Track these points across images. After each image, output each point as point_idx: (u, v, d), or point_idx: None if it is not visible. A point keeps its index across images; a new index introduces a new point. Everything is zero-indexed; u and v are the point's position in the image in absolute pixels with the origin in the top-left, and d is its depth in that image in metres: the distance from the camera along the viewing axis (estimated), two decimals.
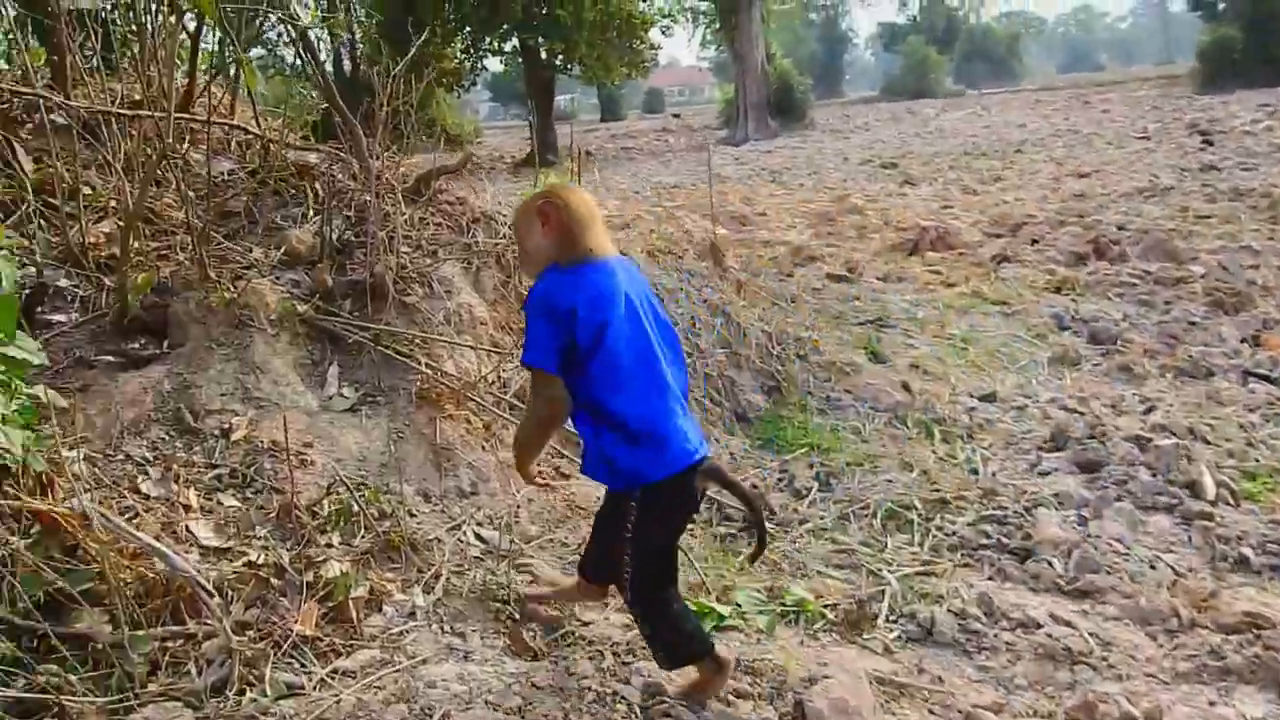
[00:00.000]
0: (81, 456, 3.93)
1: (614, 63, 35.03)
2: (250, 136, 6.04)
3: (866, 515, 5.03)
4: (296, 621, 3.33)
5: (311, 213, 5.47)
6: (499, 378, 4.94)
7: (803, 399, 6.51)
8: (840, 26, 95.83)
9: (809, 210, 16.00)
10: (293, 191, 5.67)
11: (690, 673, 3.13)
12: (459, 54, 33.94)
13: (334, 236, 5.04)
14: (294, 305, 4.77)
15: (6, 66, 6.32)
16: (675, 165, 28.90)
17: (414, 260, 5.14)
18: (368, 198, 5.38)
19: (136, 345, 4.67)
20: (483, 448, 4.62)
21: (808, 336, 7.18)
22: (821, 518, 5.03)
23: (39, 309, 4.70)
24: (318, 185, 5.67)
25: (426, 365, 4.70)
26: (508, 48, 36.01)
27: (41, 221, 5.22)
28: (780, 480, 5.52)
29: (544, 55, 34.40)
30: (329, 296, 4.93)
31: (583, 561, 3.43)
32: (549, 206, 2.95)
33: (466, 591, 3.68)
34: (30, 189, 5.39)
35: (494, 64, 43.39)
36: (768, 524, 4.45)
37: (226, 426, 4.25)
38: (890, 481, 5.40)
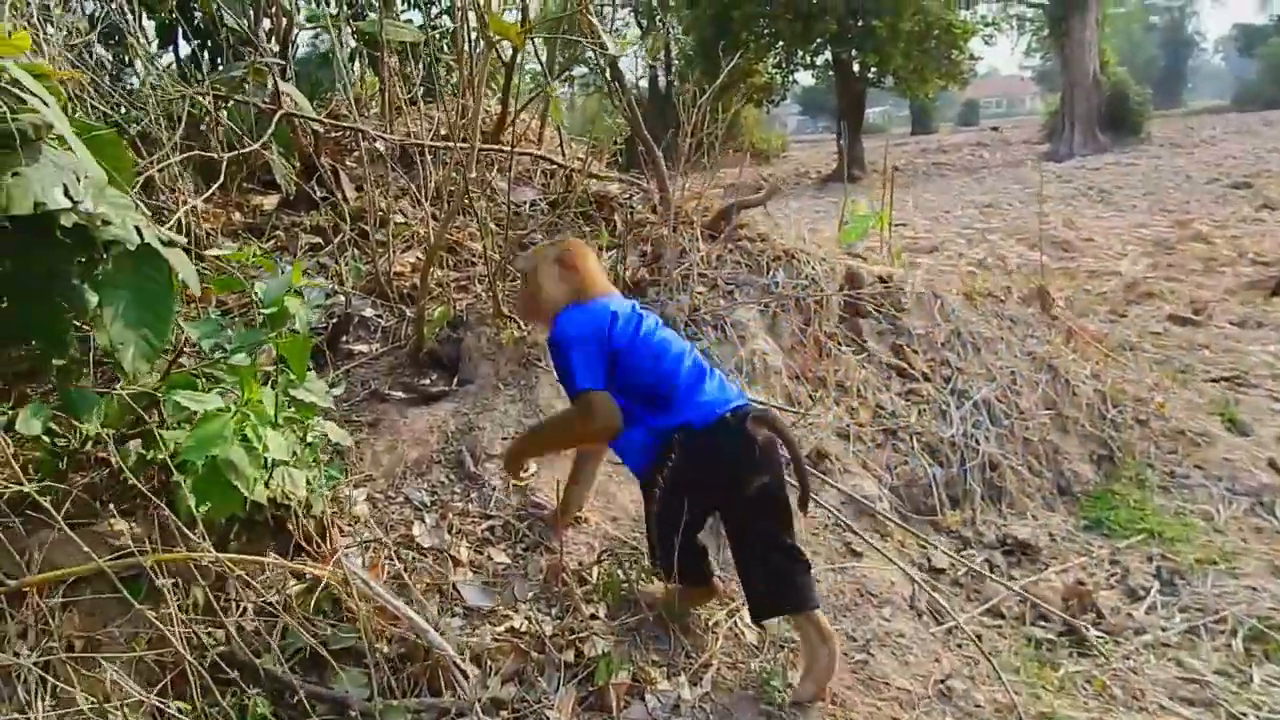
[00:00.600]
0: (363, 497, 3.89)
1: (930, 74, 33.55)
2: (555, 166, 5.96)
3: (1223, 633, 4.13)
4: (552, 708, 3.06)
5: (607, 246, 5.27)
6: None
7: (1141, 473, 5.57)
8: (1186, 29, 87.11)
9: (1144, 237, 14.29)
10: (591, 224, 5.50)
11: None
12: (770, 69, 33.83)
13: (628, 273, 4.79)
14: None
15: (343, 95, 6.61)
16: (990, 183, 27.06)
17: (708, 301, 4.80)
18: (665, 231, 5.11)
19: (428, 381, 4.63)
20: None
21: (1149, 397, 6.18)
22: (1163, 629, 4.19)
23: (344, 338, 4.78)
24: (616, 217, 5.46)
25: None
26: (820, 61, 35.44)
27: (355, 250, 5.36)
28: (1111, 574, 4.69)
29: (857, 68, 33.56)
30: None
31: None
32: (569, 255, 3.35)
33: (738, 687, 3.26)
34: (349, 217, 5.56)
35: (805, 77, 42.98)
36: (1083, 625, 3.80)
37: (504, 474, 4.09)
38: (1255, 590, 4.43)
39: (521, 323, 4.62)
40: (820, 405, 4.85)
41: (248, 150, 4.55)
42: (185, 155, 4.50)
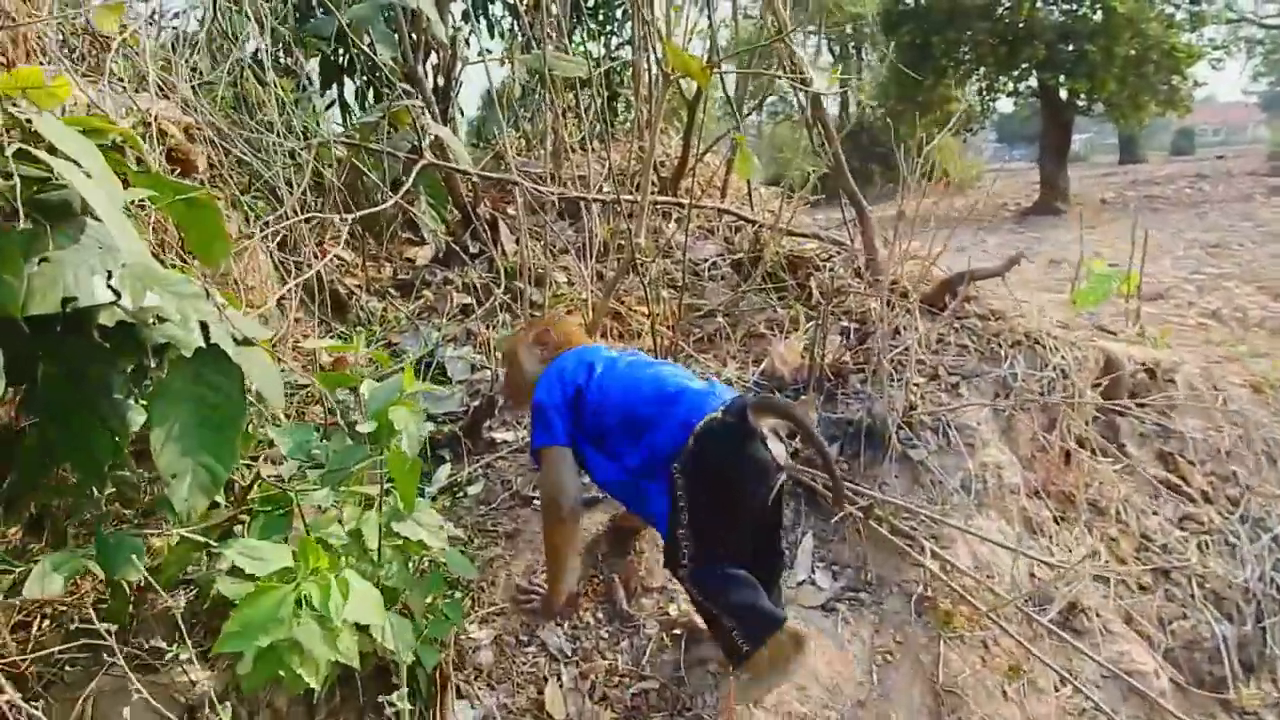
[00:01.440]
0: (490, 639, 3.15)
1: (1146, 101, 30.91)
2: (741, 220, 5.13)
3: None
4: None
5: (803, 320, 4.39)
6: (1035, 584, 3.47)
7: None
8: None
9: None
10: (781, 290, 4.64)
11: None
12: (970, 96, 31.97)
13: (826, 356, 3.89)
14: None
15: (510, 137, 6.01)
16: (1214, 219, 24.35)
17: (928, 395, 3.84)
18: (874, 304, 4.18)
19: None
20: (1004, 694, 3.19)
21: None
22: None
23: (488, 423, 4.08)
24: (812, 282, 4.58)
25: (932, 555, 3.37)
26: (1023, 87, 33.29)
27: (509, 315, 4.68)
28: None
29: (1065, 94, 31.28)
30: (811, 439, 3.78)
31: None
32: (544, 331, 3.28)
33: None
34: (505, 274, 4.89)
35: (1005, 104, 40.60)
36: None
37: (662, 605, 3.27)
38: None
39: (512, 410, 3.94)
40: (1067, 531, 3.80)
41: (377, 209, 3.91)
42: (308, 215, 3.90)
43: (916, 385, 3.83)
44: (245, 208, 4.38)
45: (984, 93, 32.45)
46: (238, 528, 2.69)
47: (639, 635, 3.22)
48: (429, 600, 3.04)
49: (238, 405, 2.33)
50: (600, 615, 3.33)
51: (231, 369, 2.31)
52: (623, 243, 4.60)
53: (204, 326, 2.26)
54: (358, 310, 4.84)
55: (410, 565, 2.98)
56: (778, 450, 2.90)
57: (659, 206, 4.86)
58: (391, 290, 5.10)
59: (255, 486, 2.80)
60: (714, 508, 2.77)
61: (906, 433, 3.69)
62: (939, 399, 3.85)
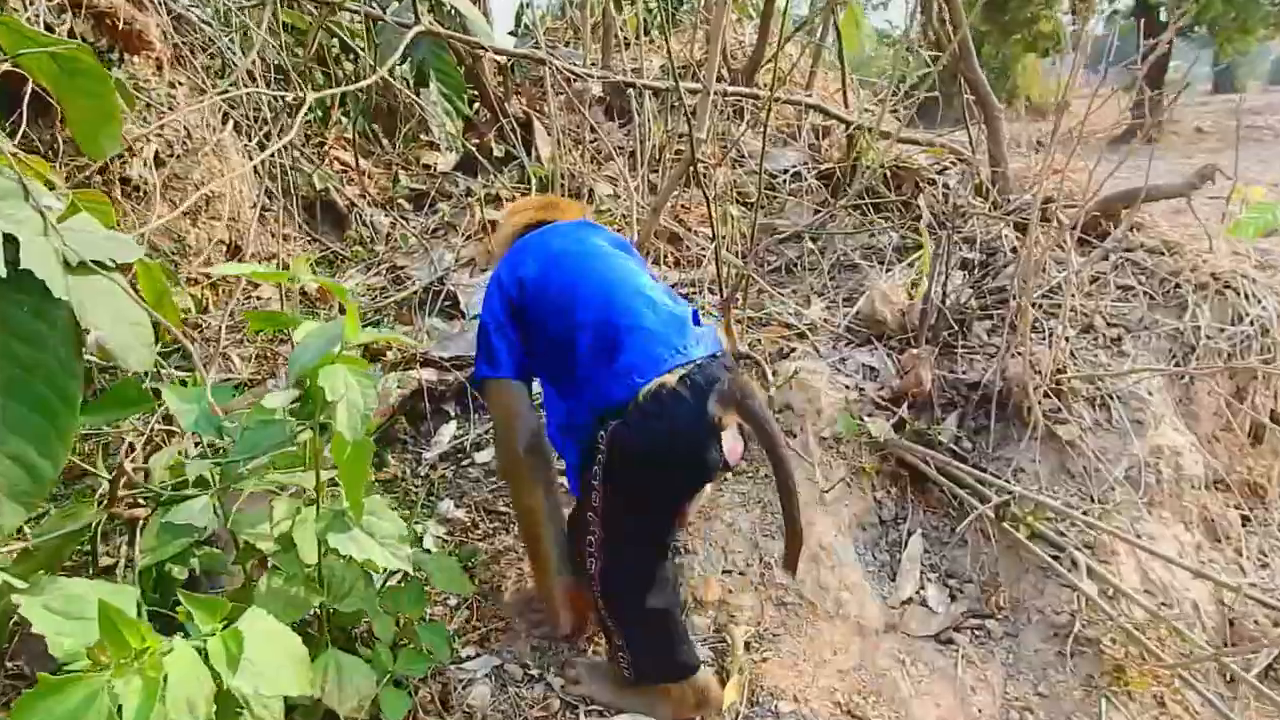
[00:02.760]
0: (485, 670, 2.34)
1: (1255, 24, 28.57)
2: (832, 120, 4.15)
3: None
4: None
5: (907, 252, 3.45)
6: (1225, 612, 2.56)
7: None
8: None
9: None
10: (882, 209, 3.68)
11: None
12: (1060, 14, 29.84)
13: (945, 297, 2.96)
14: (863, 420, 2.80)
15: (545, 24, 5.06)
16: None
17: (1082, 354, 2.89)
18: (1005, 231, 3.23)
19: None
20: None
21: None
22: None
23: None
24: (921, 200, 3.61)
25: (1089, 574, 2.47)
26: (1120, 6, 31.01)
27: None
28: None
29: (1163, 15, 29.04)
30: (923, 407, 2.88)
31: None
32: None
33: None
34: (540, 184, 4.00)
35: (1097, 26, 38.08)
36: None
37: (720, 625, 2.44)
38: None
39: None
40: (1259, 535, 2.86)
41: (348, 88, 3.01)
42: (250, 91, 3.02)
43: (1067, 339, 2.89)
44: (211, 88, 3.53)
45: (1076, 12, 30.31)
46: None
47: None
48: (402, 623, 2.24)
49: (67, 365, 1.50)
50: None
51: (56, 310, 1.47)
52: (681, 146, 3.67)
53: (8, 242, 1.42)
54: (358, 226, 3.99)
55: (375, 578, 2.16)
56: (732, 449, 2.09)
57: (728, 100, 3.90)
58: (403, 202, 4.23)
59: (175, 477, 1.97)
60: (635, 499, 2.10)
61: (1053, 403, 2.76)
62: (1096, 358, 2.90)
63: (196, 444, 1.89)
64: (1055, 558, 2.53)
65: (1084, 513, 2.59)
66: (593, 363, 2.10)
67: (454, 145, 3.93)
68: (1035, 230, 2.63)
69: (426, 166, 4.55)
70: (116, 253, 1.66)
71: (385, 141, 4.59)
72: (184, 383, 2.86)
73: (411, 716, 2.18)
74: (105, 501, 1.77)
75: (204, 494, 1.70)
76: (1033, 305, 2.75)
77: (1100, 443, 2.74)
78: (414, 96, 3.60)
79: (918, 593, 2.60)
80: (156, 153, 3.21)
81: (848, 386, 2.93)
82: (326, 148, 4.34)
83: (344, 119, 4.48)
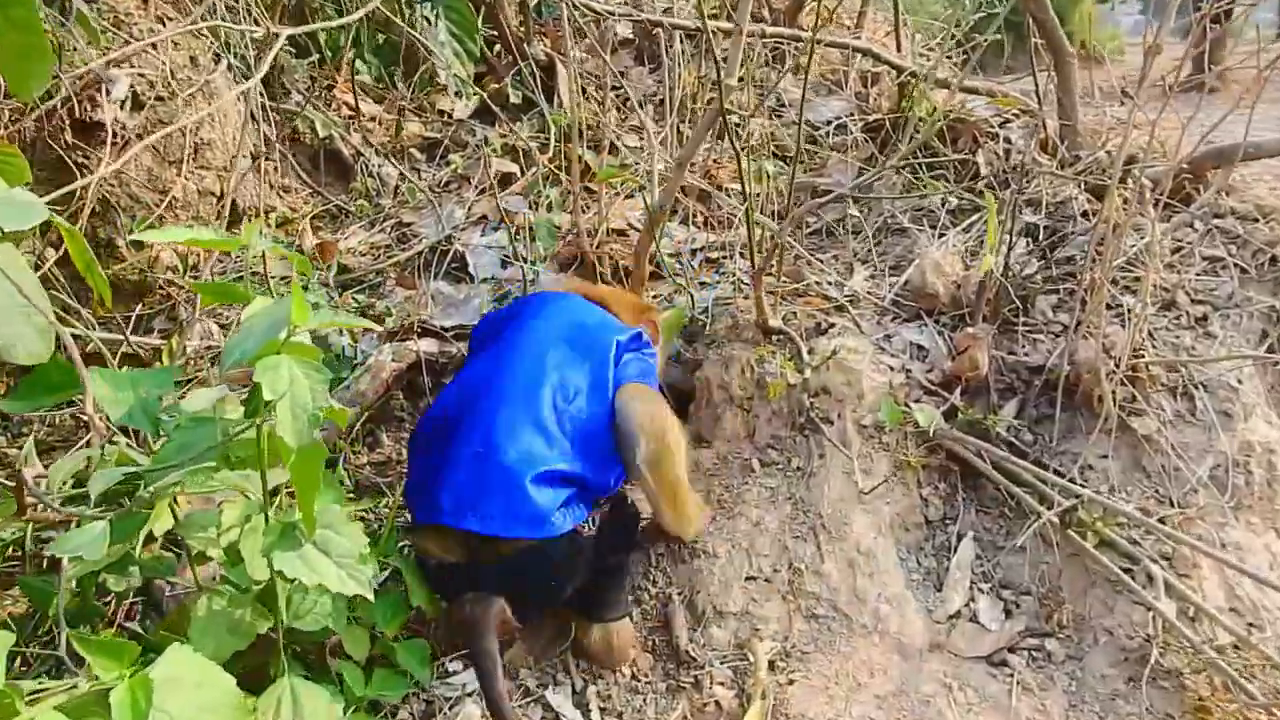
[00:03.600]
0: (476, 687, 2.08)
1: None
2: (881, 67, 3.77)
3: None
4: None
5: (962, 215, 3.10)
6: None
7: None
8: None
9: None
10: (937, 166, 3.32)
11: None
12: None
13: (1009, 267, 2.61)
14: (908, 408, 2.48)
15: None
16: None
17: (1162, 335, 2.55)
18: (1076, 192, 2.87)
19: None
20: None
21: None
22: None
23: None
24: (980, 157, 3.25)
25: (1167, 591, 2.15)
26: None
27: (552, 191, 3.48)
28: None
29: None
30: (978, 393, 2.56)
31: None
32: None
33: None
34: (559, 135, 3.67)
35: None
36: None
37: (741, 639, 2.16)
38: None
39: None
40: None
41: (336, 23, 2.70)
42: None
43: (1145, 318, 2.54)
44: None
45: None
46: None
47: (701, 691, 2.11)
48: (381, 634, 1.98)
49: None
50: (652, 655, 2.23)
51: None
52: (713, 95, 3.33)
53: None
54: (364, 177, 3.69)
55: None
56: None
57: (766, 42, 3.53)
58: (415, 152, 3.92)
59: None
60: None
61: (1128, 391, 2.42)
62: (1178, 340, 2.55)
63: (129, 444, 1.61)
64: (1127, 570, 2.22)
65: (1161, 519, 2.26)
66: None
67: (464, 90, 3.61)
68: (1114, 192, 2.27)
69: (442, 113, 4.23)
70: (13, 217, 1.38)
71: (402, 86, 4.28)
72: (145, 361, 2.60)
73: None
74: (17, 511, 1.51)
75: (105, 516, 1.41)
76: (1107, 279, 2.40)
77: (1181, 437, 2.40)
78: (414, 33, 3.27)
79: (967, 605, 2.30)
80: (136, 94, 2.92)
81: (892, 368, 2.60)
82: (334, 91, 4.03)
83: (359, 61, 4.17)
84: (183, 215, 3.18)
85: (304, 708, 1.68)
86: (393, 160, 3.72)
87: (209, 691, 1.39)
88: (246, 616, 1.64)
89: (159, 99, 3.02)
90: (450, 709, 2.06)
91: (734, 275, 3.03)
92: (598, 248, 3.19)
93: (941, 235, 2.95)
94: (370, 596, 1.55)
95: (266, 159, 3.60)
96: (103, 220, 2.97)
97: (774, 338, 2.73)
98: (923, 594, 2.33)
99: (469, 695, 2.09)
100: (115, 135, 2.88)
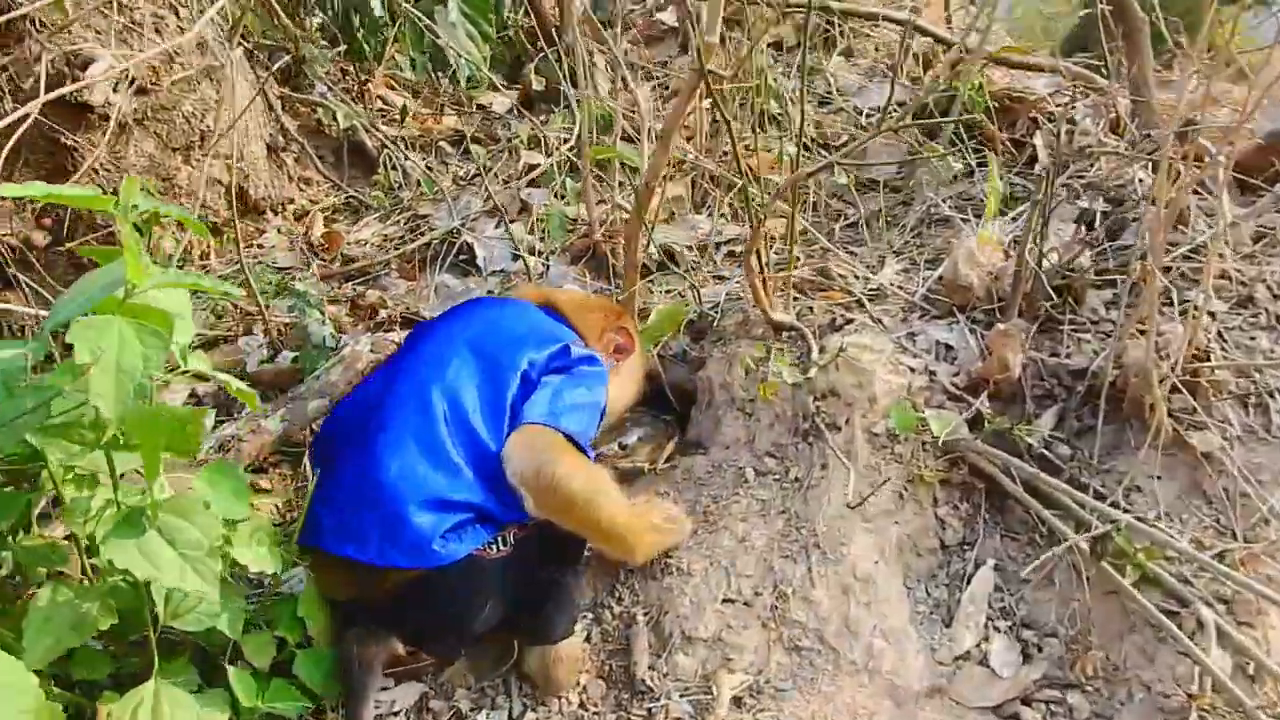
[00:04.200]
0: (413, 701, 1.87)
1: None
2: (938, 46, 3.45)
3: None
4: None
5: (1015, 202, 2.76)
6: None
7: None
8: None
9: None
10: (983, 146, 2.99)
11: None
12: None
13: (1044, 259, 2.27)
14: (928, 414, 2.16)
15: None
16: None
17: (1234, 337, 2.17)
18: (1141, 175, 2.51)
19: (626, 441, 2.52)
20: None
21: None
22: None
23: None
24: (1038, 139, 2.90)
25: (1220, 640, 1.78)
26: None
27: (567, 179, 3.28)
28: None
29: None
30: (1011, 399, 2.22)
31: None
32: None
33: None
34: (581, 125, 3.46)
35: None
36: None
37: (710, 671, 1.88)
38: None
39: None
40: None
41: None
42: None
43: (1212, 315, 2.17)
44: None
45: None
46: None
47: None
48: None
49: None
50: (606, 683, 1.98)
51: None
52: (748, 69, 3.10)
53: None
54: (388, 170, 3.55)
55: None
56: None
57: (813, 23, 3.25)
58: (445, 145, 3.77)
59: None
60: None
61: (1185, 400, 2.05)
62: (1254, 342, 2.16)
63: None
64: (1173, 614, 1.85)
65: (1220, 555, 1.89)
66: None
67: (477, 77, 3.43)
68: (1166, 164, 1.92)
69: (481, 107, 4.08)
70: None
71: (445, 80, 4.14)
72: None
73: None
74: None
75: None
76: (1165, 269, 2.05)
77: (1251, 457, 2.02)
78: (416, 14, 3.10)
79: (978, 646, 1.97)
80: (132, 78, 2.83)
81: (913, 369, 2.29)
82: (366, 83, 3.92)
83: (397, 55, 4.06)
84: (187, 203, 3.09)
85: (165, 716, 1.49)
86: (412, 154, 3.57)
87: (11, 699, 1.22)
88: (93, 611, 1.45)
89: (155, 85, 2.93)
90: None
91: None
92: (609, 239, 2.96)
93: (985, 223, 2.61)
94: (214, 596, 1.35)
95: (285, 150, 3.50)
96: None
97: (784, 334, 2.45)
98: (928, 630, 2.00)
99: (394, 714, 1.88)
100: (108, 119, 2.80)
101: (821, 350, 2.31)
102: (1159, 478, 2.05)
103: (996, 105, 2.96)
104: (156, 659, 1.55)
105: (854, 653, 1.94)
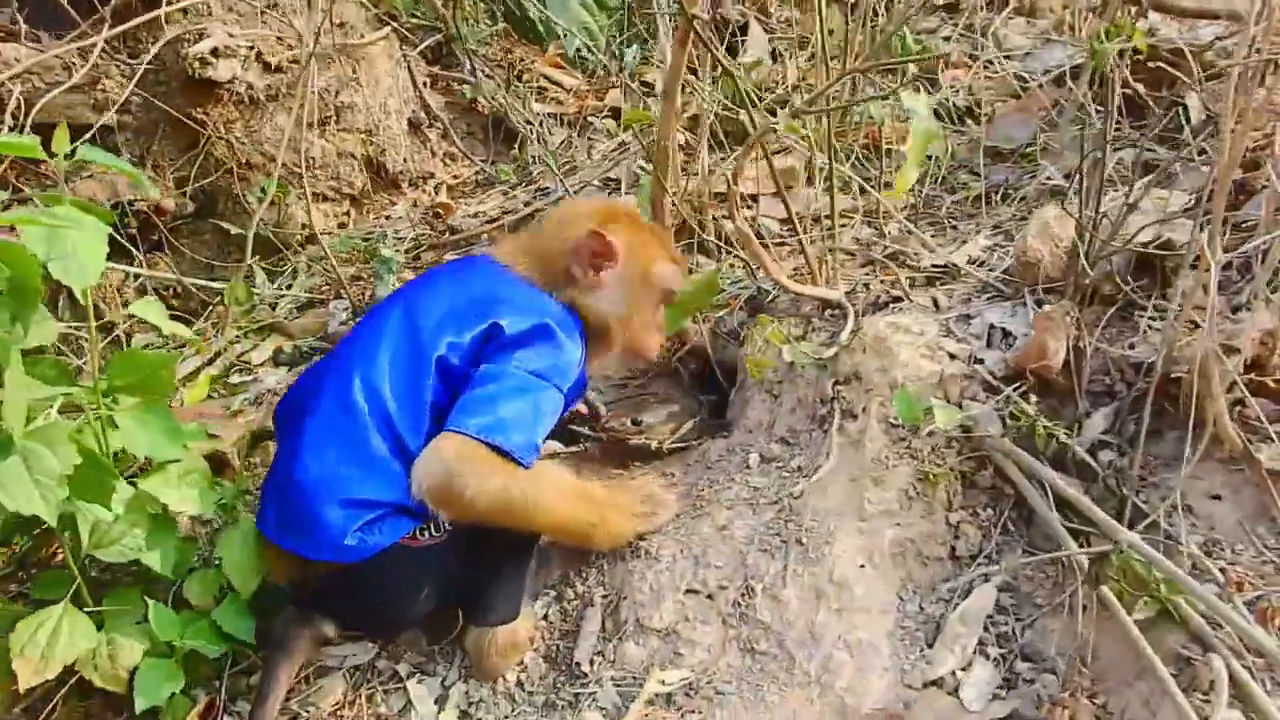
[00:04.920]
0: (341, 665, 1.89)
1: None
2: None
3: None
4: None
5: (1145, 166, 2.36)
6: None
7: None
8: None
9: None
10: (1138, 114, 2.59)
11: None
12: None
13: (1097, 223, 1.92)
14: (934, 404, 1.89)
15: None
16: None
17: None
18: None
19: (666, 411, 2.41)
20: None
21: None
22: None
23: None
24: (1190, 99, 2.47)
25: (1243, 701, 1.42)
26: None
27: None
28: None
29: None
30: (1061, 394, 1.91)
31: None
32: None
33: None
34: (733, 92, 3.35)
35: None
36: None
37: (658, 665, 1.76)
38: None
39: None
40: None
41: None
42: None
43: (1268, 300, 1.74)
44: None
45: None
46: None
47: (575, 715, 1.75)
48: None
49: None
50: (548, 662, 1.91)
51: None
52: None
53: None
54: (531, 147, 3.61)
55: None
56: None
57: None
58: (596, 121, 3.78)
59: None
60: None
61: (1260, 405, 1.65)
62: None
63: None
64: (1191, 661, 1.51)
65: (1253, 602, 1.51)
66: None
67: (592, 49, 3.39)
68: (1233, 99, 1.55)
69: (647, 84, 4.05)
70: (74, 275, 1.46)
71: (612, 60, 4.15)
72: None
73: (211, 708, 1.80)
74: None
75: None
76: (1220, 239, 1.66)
77: None
78: None
79: (955, 673, 1.70)
80: (260, 55, 3.05)
81: (953, 355, 2.01)
82: (532, 62, 4.00)
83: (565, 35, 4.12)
84: (321, 175, 3.29)
85: (62, 639, 1.60)
86: (559, 129, 3.60)
87: None
88: None
89: (294, 62, 3.13)
90: (313, 678, 1.89)
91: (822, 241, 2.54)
92: (699, 212, 2.83)
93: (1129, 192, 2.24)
94: (52, 521, 1.43)
95: (430, 126, 3.65)
96: (234, 178, 3.13)
97: (828, 312, 2.24)
98: (907, 647, 1.75)
99: (341, 670, 1.91)
100: (238, 95, 3.04)
101: (857, 331, 2.09)
102: (1218, 497, 1.68)
103: (1152, 62, 2.53)
104: (81, 586, 1.67)
105: (810, 663, 1.74)
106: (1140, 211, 1.98)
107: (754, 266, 2.43)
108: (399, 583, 1.75)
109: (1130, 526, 1.69)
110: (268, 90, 3.10)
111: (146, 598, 1.73)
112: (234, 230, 3.09)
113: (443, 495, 1.66)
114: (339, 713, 1.83)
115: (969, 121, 3.02)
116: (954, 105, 3.05)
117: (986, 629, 1.74)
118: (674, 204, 2.31)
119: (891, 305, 2.18)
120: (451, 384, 1.75)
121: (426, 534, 1.73)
